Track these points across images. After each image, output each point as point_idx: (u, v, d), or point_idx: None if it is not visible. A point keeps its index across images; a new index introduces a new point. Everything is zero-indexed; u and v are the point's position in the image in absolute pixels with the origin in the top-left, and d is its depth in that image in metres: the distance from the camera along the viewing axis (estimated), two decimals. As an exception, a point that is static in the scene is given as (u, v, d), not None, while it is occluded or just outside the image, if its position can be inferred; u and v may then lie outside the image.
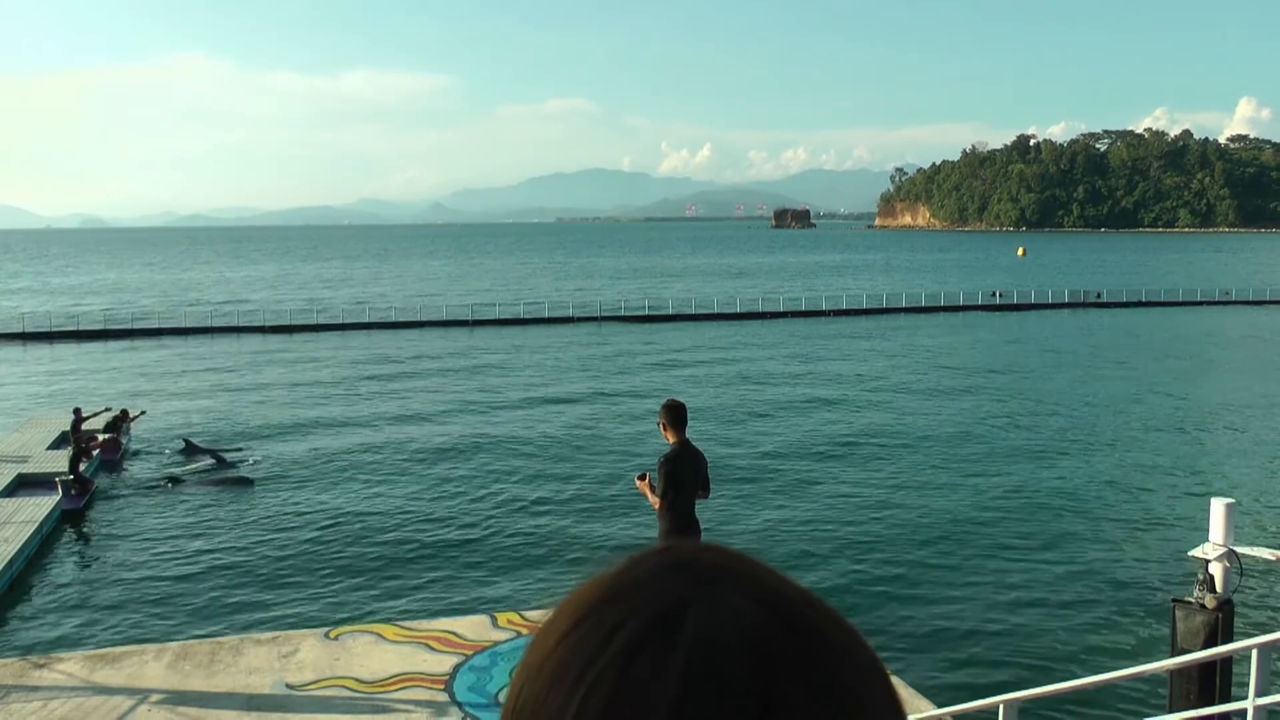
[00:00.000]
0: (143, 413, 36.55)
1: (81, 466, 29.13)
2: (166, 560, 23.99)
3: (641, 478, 10.68)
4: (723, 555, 0.87)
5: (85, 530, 26.73)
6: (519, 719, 0.81)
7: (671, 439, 10.54)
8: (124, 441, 34.46)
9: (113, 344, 66.83)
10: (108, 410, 34.83)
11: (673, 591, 0.82)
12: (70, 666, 11.39)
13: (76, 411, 31.73)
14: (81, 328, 72.08)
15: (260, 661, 11.40)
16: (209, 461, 32.84)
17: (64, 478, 28.19)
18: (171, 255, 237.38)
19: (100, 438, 32.59)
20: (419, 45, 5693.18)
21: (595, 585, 0.85)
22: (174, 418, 40.13)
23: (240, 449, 34.60)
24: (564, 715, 0.77)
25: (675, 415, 10.57)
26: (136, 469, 32.67)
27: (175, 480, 30.71)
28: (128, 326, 72.65)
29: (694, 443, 10.72)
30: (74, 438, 30.15)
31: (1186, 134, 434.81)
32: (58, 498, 27.26)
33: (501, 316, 79.58)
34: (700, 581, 0.83)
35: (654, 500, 10.42)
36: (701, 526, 10.74)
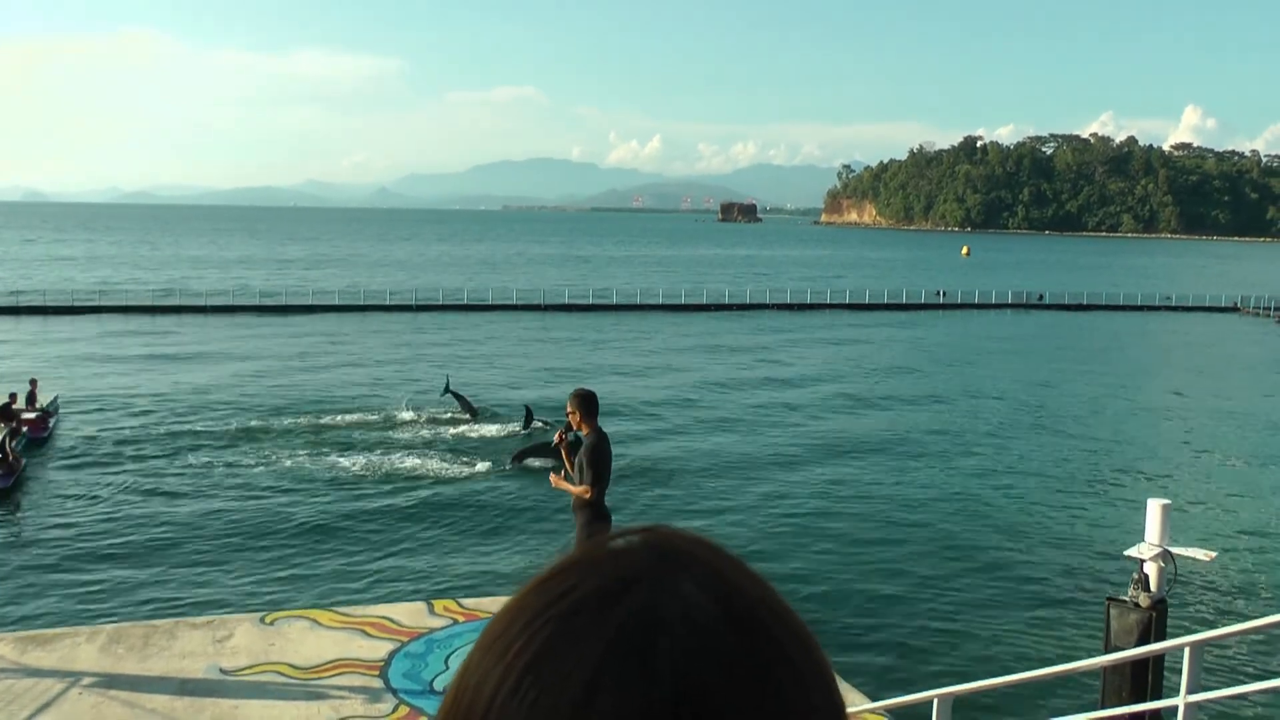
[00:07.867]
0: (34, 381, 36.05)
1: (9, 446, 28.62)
2: (99, 541, 23.63)
3: (556, 472, 10.73)
4: (698, 545, 0.87)
5: (13, 510, 26.22)
6: (475, 649, 0.84)
7: (586, 429, 10.56)
8: (51, 423, 33.75)
9: (55, 319, 66.08)
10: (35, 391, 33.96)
11: (634, 566, 0.83)
12: (0, 648, 11.19)
13: (12, 397, 31.37)
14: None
15: (194, 645, 11.25)
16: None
17: None
18: (154, 234, 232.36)
19: (28, 416, 32.11)
20: (367, 26, 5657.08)
21: (577, 552, 0.87)
22: (113, 397, 39.71)
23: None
24: (504, 658, 0.80)
25: (590, 404, 10.60)
26: (66, 446, 32.14)
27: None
28: (68, 304, 71.78)
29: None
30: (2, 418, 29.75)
31: (1132, 140, 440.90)
32: None
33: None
34: (663, 561, 0.84)
35: (582, 490, 10.44)
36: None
